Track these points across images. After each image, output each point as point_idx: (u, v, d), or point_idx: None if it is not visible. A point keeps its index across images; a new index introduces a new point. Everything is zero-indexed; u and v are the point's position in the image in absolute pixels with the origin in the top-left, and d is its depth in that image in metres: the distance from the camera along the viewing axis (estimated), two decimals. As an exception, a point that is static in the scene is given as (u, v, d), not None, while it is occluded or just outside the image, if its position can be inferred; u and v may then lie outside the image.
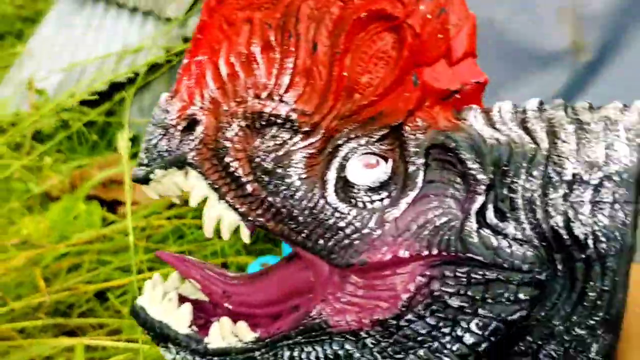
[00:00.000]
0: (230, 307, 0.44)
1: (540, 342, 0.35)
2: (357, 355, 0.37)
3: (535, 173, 0.35)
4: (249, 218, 0.39)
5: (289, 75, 0.39)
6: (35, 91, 1.27)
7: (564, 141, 0.35)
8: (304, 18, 0.39)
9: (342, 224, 0.36)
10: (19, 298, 0.94)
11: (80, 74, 1.35)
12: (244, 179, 0.38)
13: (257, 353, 0.40)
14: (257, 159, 0.38)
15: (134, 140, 1.18)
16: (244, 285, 0.46)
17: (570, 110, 0.36)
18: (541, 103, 0.37)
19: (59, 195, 1.14)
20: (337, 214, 0.36)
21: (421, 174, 0.36)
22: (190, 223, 1.07)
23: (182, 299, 0.43)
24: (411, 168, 0.36)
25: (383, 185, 0.37)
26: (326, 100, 0.38)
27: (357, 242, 0.36)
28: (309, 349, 0.38)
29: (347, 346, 0.37)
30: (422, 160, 0.36)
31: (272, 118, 0.38)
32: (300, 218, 0.37)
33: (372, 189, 0.37)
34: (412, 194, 0.36)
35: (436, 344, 0.35)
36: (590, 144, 0.35)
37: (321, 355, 0.38)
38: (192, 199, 0.41)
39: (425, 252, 0.34)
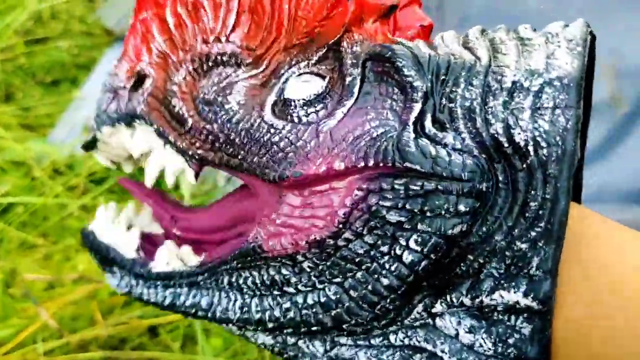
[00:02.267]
0: (178, 232, 0.44)
1: (481, 261, 0.32)
2: (293, 279, 0.35)
3: (474, 82, 0.33)
4: (190, 153, 0.38)
5: (233, 15, 0.38)
6: (91, 134, 1.33)
7: (504, 54, 0.33)
8: None
9: (276, 138, 0.35)
10: (74, 332, 0.98)
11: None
12: (185, 115, 0.38)
13: (199, 277, 0.38)
14: (202, 95, 0.38)
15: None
16: (194, 212, 0.46)
17: (513, 31, 0.35)
18: (483, 30, 0.36)
19: (112, 234, 1.18)
20: (272, 130, 0.35)
21: (357, 84, 0.34)
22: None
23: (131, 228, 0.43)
24: (348, 79, 0.35)
25: (319, 98, 0.35)
26: (270, 33, 0.37)
27: (290, 154, 0.34)
28: (246, 274, 0.37)
29: (284, 271, 0.35)
30: (358, 71, 0.35)
31: (219, 57, 0.38)
32: (237, 140, 0.36)
33: (308, 102, 0.35)
34: (347, 104, 0.34)
35: (374, 265, 0.33)
36: (531, 54, 0.33)
37: (258, 280, 0.36)
38: (136, 150, 0.40)
39: (362, 164, 0.32)
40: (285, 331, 0.36)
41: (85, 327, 0.97)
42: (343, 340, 0.36)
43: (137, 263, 0.41)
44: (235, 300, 0.37)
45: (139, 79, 0.40)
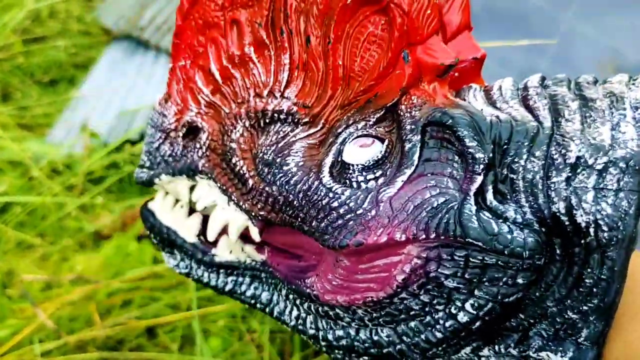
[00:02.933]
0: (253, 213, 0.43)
1: (531, 321, 0.34)
2: (347, 319, 0.36)
3: (537, 153, 0.33)
4: (253, 214, 0.38)
5: (287, 70, 0.38)
6: (89, 134, 1.32)
7: (567, 120, 0.33)
8: (292, 12, 0.38)
9: (335, 204, 0.35)
10: (72, 332, 0.97)
11: (132, 117, 1.40)
12: (247, 175, 0.38)
13: (263, 274, 0.40)
14: (261, 154, 0.38)
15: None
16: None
17: (574, 85, 0.35)
18: (543, 79, 0.36)
19: (111, 234, 1.18)
20: (330, 194, 0.35)
21: (417, 151, 0.35)
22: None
23: (193, 213, 0.43)
24: (407, 145, 0.35)
25: (378, 164, 0.35)
26: (325, 91, 0.37)
27: (350, 222, 0.34)
28: (302, 300, 0.37)
29: (339, 311, 0.36)
30: (418, 137, 0.35)
31: (275, 115, 0.38)
32: (296, 202, 0.36)
33: (367, 168, 0.35)
34: (407, 172, 0.34)
35: (429, 319, 0.34)
36: (596, 123, 0.33)
37: (313, 309, 0.37)
38: (200, 204, 0.41)
39: (423, 236, 0.33)
40: (334, 350, 0.37)
41: (83, 328, 0.97)
42: None
43: (199, 249, 0.42)
44: (292, 310, 0.39)
45: (191, 129, 0.40)
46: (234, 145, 0.39)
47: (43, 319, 0.95)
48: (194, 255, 0.42)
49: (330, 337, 0.37)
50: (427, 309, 0.34)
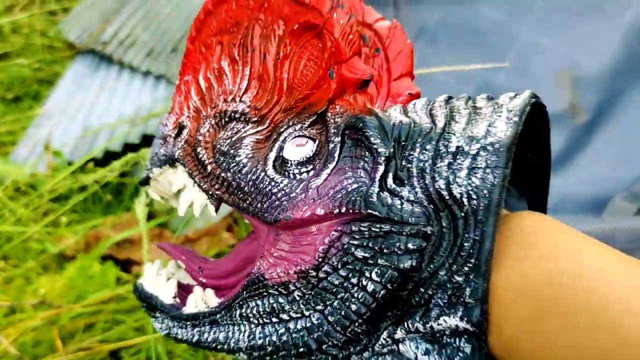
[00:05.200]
0: (203, 280, 0.52)
1: (430, 292, 0.39)
2: (287, 307, 0.42)
3: (427, 147, 0.39)
4: (210, 193, 0.46)
5: (246, 80, 0.48)
6: (52, 153, 1.31)
7: (456, 122, 0.40)
8: (256, 36, 0.48)
9: (275, 190, 0.43)
10: (35, 359, 0.96)
11: (95, 135, 1.39)
12: (206, 162, 0.47)
13: (218, 315, 0.46)
14: (218, 145, 0.47)
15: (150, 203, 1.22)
16: (215, 262, 0.54)
17: (471, 100, 0.42)
18: (450, 98, 0.43)
19: (75, 255, 1.17)
20: (272, 183, 0.43)
21: (337, 149, 0.42)
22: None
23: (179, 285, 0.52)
24: (330, 146, 0.43)
25: (310, 160, 0.44)
26: (272, 97, 0.46)
27: (284, 203, 0.42)
28: (252, 303, 0.44)
29: (280, 300, 0.43)
30: (338, 139, 0.42)
31: (233, 114, 0.47)
32: (246, 188, 0.44)
33: (301, 163, 0.44)
34: (330, 166, 0.42)
35: (347, 294, 0.40)
36: (477, 122, 0.39)
37: (261, 309, 0.44)
38: (174, 187, 0.50)
39: (337, 210, 0.40)
40: (281, 354, 0.43)
41: (47, 354, 0.96)
42: None
43: (174, 307, 0.49)
44: (244, 331, 0.45)
45: (180, 129, 0.49)
46: (200, 137, 0.47)
47: (6, 345, 0.94)
48: (170, 313, 0.49)
49: (274, 338, 0.43)
50: (345, 284, 0.40)
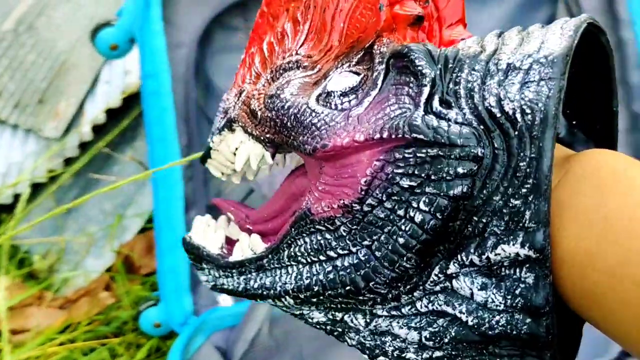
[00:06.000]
0: (250, 227, 0.50)
1: (484, 221, 0.36)
2: (334, 243, 0.40)
3: (477, 67, 0.37)
4: (262, 139, 0.46)
5: (304, 35, 0.48)
6: None
7: (507, 45, 0.39)
8: None
9: (315, 120, 0.41)
10: None
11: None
12: (257, 110, 0.46)
13: (265, 260, 0.45)
14: (269, 93, 0.46)
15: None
16: (261, 206, 0.52)
17: (524, 29, 0.41)
18: (501, 32, 0.42)
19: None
20: (313, 114, 0.42)
21: (381, 77, 0.41)
22: (83, 346, 1.11)
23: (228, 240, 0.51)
24: (374, 74, 0.42)
25: (353, 90, 0.42)
26: (326, 46, 0.46)
27: (324, 132, 0.41)
28: (300, 241, 0.42)
29: (328, 236, 0.41)
30: (382, 67, 0.41)
31: (287, 65, 0.47)
32: (289, 124, 0.43)
33: (344, 94, 0.42)
34: (373, 94, 0.40)
35: (394, 227, 0.37)
36: (529, 42, 0.38)
37: (309, 246, 0.42)
38: (232, 146, 0.49)
39: (377, 136, 0.37)
40: (328, 294, 0.41)
41: None
42: (380, 312, 0.41)
43: (221, 257, 0.48)
44: (292, 273, 0.43)
45: (240, 94, 0.49)
46: (255, 92, 0.47)
47: None
48: (216, 262, 0.48)
49: (322, 277, 0.41)
50: (391, 217, 0.37)
